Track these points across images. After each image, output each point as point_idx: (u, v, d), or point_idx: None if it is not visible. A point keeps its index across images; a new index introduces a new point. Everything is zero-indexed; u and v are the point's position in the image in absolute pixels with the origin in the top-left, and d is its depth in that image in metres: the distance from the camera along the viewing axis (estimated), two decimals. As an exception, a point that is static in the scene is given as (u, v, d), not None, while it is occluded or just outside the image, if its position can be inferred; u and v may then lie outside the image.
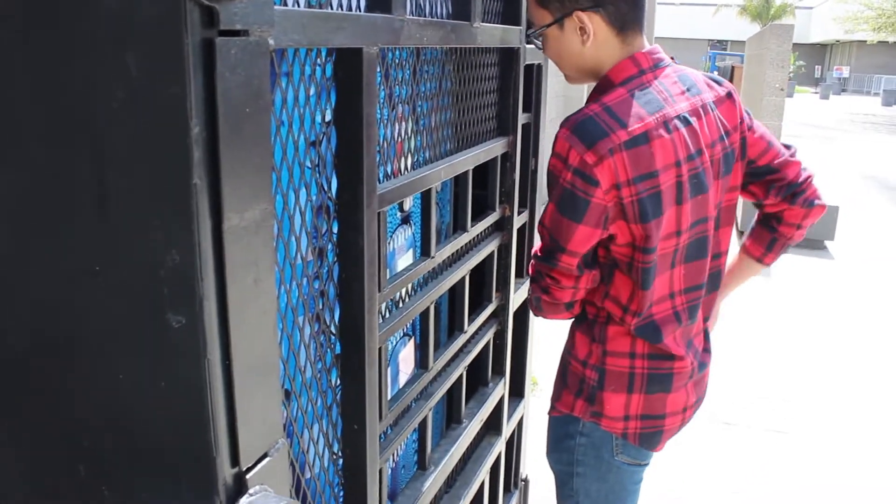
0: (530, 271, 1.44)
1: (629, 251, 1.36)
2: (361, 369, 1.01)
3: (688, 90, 1.40)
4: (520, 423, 2.01)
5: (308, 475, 1.03)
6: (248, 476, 0.74)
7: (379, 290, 1.04)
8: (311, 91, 0.97)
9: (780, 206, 1.52)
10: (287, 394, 1.00)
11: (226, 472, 0.72)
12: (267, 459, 0.77)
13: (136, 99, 0.64)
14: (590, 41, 1.35)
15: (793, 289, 5.41)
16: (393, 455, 1.39)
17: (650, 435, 1.48)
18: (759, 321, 4.69)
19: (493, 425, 1.78)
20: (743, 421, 3.42)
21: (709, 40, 44.43)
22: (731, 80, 14.16)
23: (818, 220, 1.59)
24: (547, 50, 1.43)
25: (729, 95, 1.45)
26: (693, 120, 1.36)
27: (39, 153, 0.69)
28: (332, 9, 1.01)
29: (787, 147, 1.54)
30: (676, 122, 1.33)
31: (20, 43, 0.67)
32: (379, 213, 1.02)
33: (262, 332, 0.74)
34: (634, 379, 1.44)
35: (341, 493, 1.08)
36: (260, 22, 0.68)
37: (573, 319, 1.51)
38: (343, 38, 0.87)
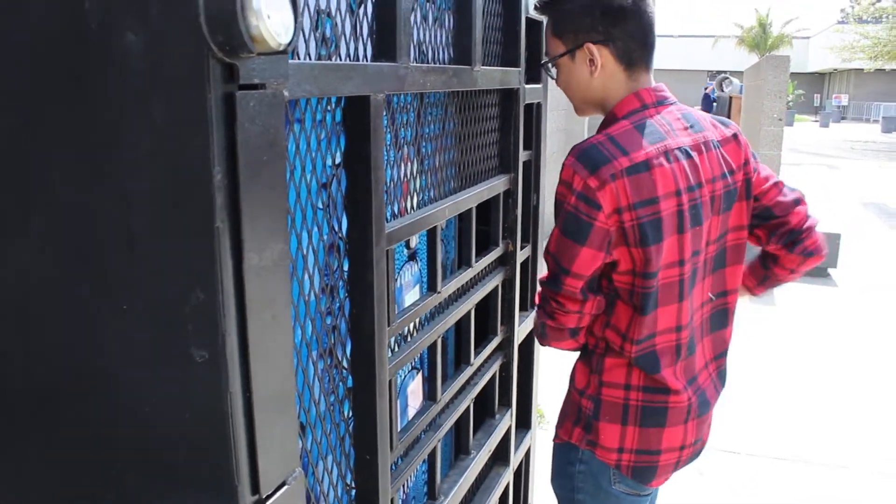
0: (537, 299, 1.47)
1: (630, 279, 1.40)
2: (372, 401, 1.04)
3: (690, 127, 1.45)
4: (527, 454, 2.03)
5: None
6: (268, 503, 0.77)
7: (388, 325, 1.08)
8: (322, 136, 1.02)
9: (779, 250, 1.56)
10: (301, 426, 1.04)
11: (247, 500, 0.75)
12: (285, 488, 0.80)
13: (162, 148, 0.69)
14: (597, 72, 1.42)
15: (796, 316, 5.42)
16: (404, 486, 1.42)
17: (644, 469, 1.49)
18: (763, 348, 4.70)
19: (500, 456, 1.80)
20: (745, 449, 3.42)
21: (708, 71, 44.84)
22: (729, 111, 14.32)
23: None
24: (558, 80, 1.50)
25: (735, 136, 1.50)
26: (694, 154, 1.42)
27: (71, 198, 0.74)
28: (340, 58, 1.06)
29: (794, 191, 1.58)
30: (677, 153, 1.39)
31: (52, 95, 0.72)
32: (387, 251, 1.06)
33: (280, 366, 0.79)
34: (629, 410, 1.46)
35: (353, 521, 1.11)
36: (276, 76, 0.73)
37: (580, 351, 1.54)
38: (351, 87, 0.92)
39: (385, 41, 1.03)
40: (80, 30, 0.69)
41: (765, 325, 5.13)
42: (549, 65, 1.49)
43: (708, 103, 18.49)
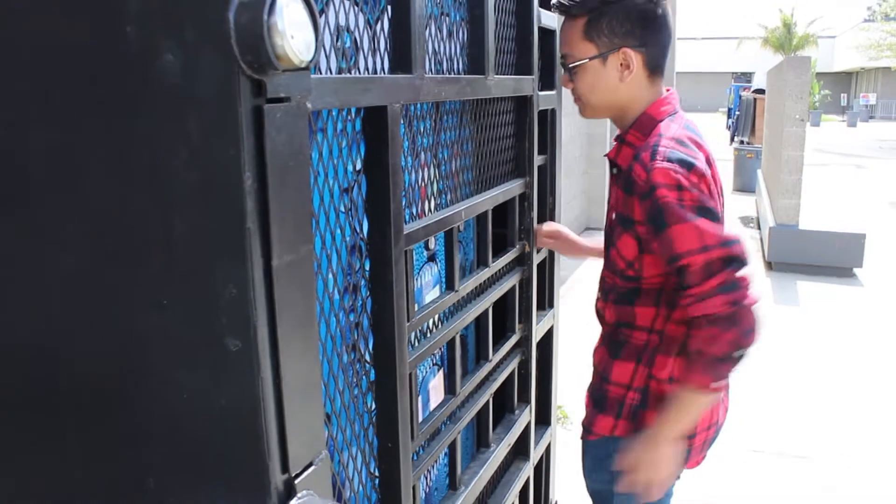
0: (722, 309, 1.34)
1: None
2: (394, 393, 1.11)
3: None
4: (548, 449, 2.09)
5: (348, 491, 1.13)
6: (296, 481, 0.84)
7: (408, 321, 1.15)
8: (344, 144, 1.10)
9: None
10: (327, 416, 1.11)
11: (277, 478, 0.82)
12: (312, 468, 0.87)
13: (198, 157, 0.76)
14: (628, 77, 1.48)
15: (822, 316, 5.41)
16: (427, 477, 1.49)
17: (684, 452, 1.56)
18: (789, 348, 4.70)
19: (521, 450, 1.86)
20: (771, 448, 3.44)
21: (732, 73, 44.54)
22: (753, 112, 14.25)
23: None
24: (580, 82, 1.51)
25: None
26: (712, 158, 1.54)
27: (115, 203, 0.82)
28: (359, 71, 1.14)
29: None
30: (711, 154, 1.52)
31: (99, 110, 0.80)
32: (406, 251, 1.13)
33: (307, 355, 0.85)
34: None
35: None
36: (300, 90, 0.80)
37: (606, 351, 1.60)
38: (370, 98, 0.99)
39: (401, 54, 1.10)
40: (123, 52, 0.77)
41: (789, 325, 5.13)
42: (570, 69, 1.51)
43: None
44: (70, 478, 0.92)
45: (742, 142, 14.05)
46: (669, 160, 1.38)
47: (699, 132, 1.52)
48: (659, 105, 1.52)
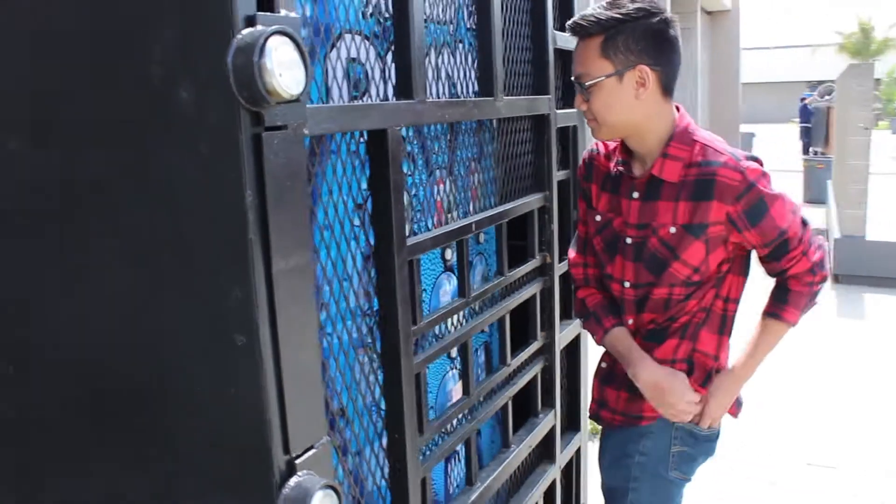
0: (819, 256, 1.63)
1: (743, 250, 1.64)
2: (399, 389, 1.22)
3: None
4: (577, 454, 2.15)
5: (370, 483, 1.25)
6: (297, 462, 0.95)
7: (415, 324, 1.26)
8: (356, 163, 1.22)
9: None
10: (343, 412, 1.22)
11: (279, 458, 0.94)
12: (313, 451, 0.98)
13: (208, 177, 0.89)
14: (644, 94, 1.53)
15: (889, 329, 5.26)
16: (448, 473, 1.59)
17: None
18: (854, 362, 4.60)
19: (546, 453, 1.94)
20: (845, 463, 3.39)
21: (808, 82, 43.29)
22: (828, 122, 13.87)
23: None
24: (595, 101, 1.55)
25: None
26: None
27: (140, 216, 0.95)
28: (371, 99, 1.26)
29: None
30: None
31: (128, 136, 0.93)
32: (412, 261, 1.24)
33: (306, 351, 0.97)
34: (711, 377, 1.67)
35: (388, 495, 1.28)
36: (295, 118, 0.92)
37: (643, 343, 1.68)
38: (369, 123, 1.11)
39: (402, 82, 1.22)
40: (149, 88, 0.90)
41: (854, 338, 5.02)
42: (586, 87, 1.55)
43: (806, 114, 17.91)
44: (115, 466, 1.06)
45: (815, 153, 13.67)
46: (749, 159, 1.57)
47: None
48: (682, 119, 1.62)
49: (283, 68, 0.84)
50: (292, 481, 0.94)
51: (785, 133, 22.76)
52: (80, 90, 0.96)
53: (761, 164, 1.60)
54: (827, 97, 13.48)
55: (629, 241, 1.63)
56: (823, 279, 1.65)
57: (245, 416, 0.93)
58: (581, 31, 1.55)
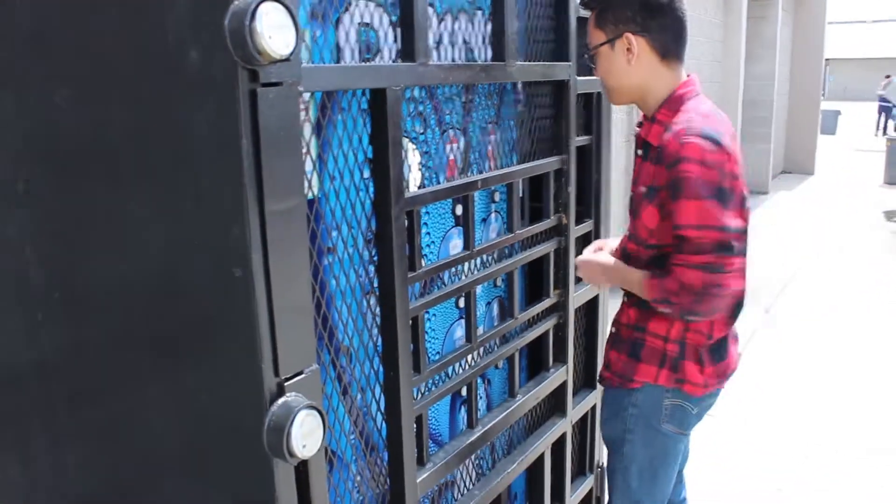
0: (696, 284, 1.51)
1: None
2: (394, 329, 1.33)
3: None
4: (593, 411, 2.24)
5: (370, 421, 1.37)
6: (286, 384, 1.08)
7: (413, 271, 1.37)
8: (366, 119, 1.32)
9: None
10: (346, 349, 1.35)
11: (270, 379, 1.06)
12: (302, 375, 1.10)
13: (211, 126, 1.01)
14: (634, 60, 1.65)
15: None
16: (455, 420, 1.70)
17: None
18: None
19: (557, 407, 2.04)
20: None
21: (903, 56, 41.14)
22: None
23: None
24: (598, 68, 1.72)
25: None
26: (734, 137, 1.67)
27: (154, 164, 1.08)
28: (382, 60, 1.36)
29: None
30: (733, 134, 1.65)
31: (148, 94, 1.06)
32: (412, 211, 1.35)
33: (297, 284, 1.09)
34: (703, 354, 1.71)
35: (383, 427, 1.40)
36: (291, 76, 1.02)
37: (638, 309, 1.76)
38: (368, 82, 1.22)
39: (406, 44, 1.31)
40: (164, 51, 1.02)
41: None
42: (591, 55, 1.72)
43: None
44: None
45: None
46: (701, 135, 1.54)
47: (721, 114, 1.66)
48: (684, 86, 1.68)
49: (274, 30, 0.95)
50: (280, 400, 1.06)
51: (874, 112, 21.80)
52: (110, 52, 1.09)
53: (714, 147, 1.52)
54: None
55: (632, 194, 1.75)
56: (687, 313, 1.58)
57: (241, 341, 1.06)
58: (584, 5, 1.73)
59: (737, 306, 1.68)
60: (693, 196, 1.52)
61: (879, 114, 21.18)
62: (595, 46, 1.69)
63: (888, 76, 20.09)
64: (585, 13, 1.78)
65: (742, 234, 1.55)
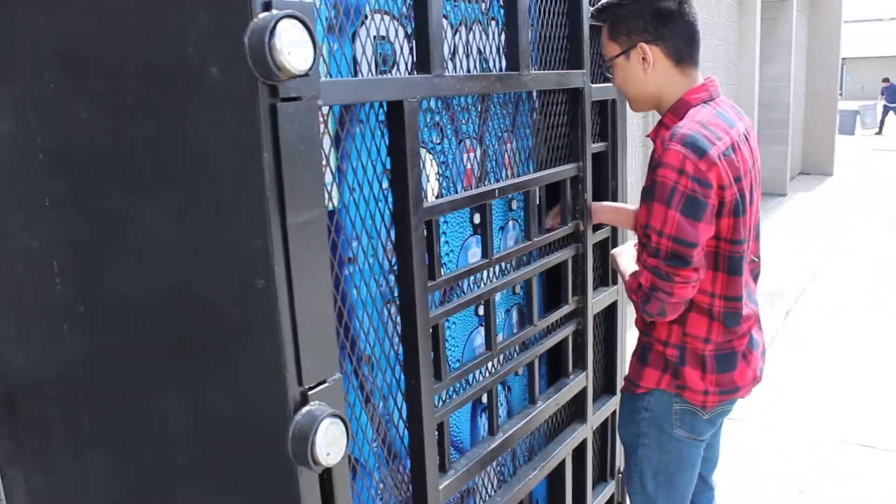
0: (645, 284, 1.61)
1: (715, 243, 1.63)
2: (415, 337, 1.34)
3: (739, 115, 1.70)
4: (613, 416, 2.24)
5: (392, 429, 1.39)
6: (310, 393, 1.09)
7: (433, 279, 1.38)
8: (384, 130, 1.34)
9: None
10: (368, 358, 1.36)
11: (294, 388, 1.07)
12: (325, 385, 1.12)
13: (233, 141, 1.03)
14: (650, 69, 1.67)
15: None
16: (476, 427, 1.71)
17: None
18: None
19: (578, 413, 2.04)
20: None
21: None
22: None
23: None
24: (615, 79, 1.76)
25: (749, 130, 1.72)
26: (744, 141, 1.66)
27: (183, 174, 1.10)
28: (399, 72, 1.38)
29: None
30: (741, 138, 1.64)
31: (168, 108, 1.08)
32: (430, 221, 1.36)
33: (319, 295, 1.10)
34: (706, 360, 1.70)
35: (406, 434, 1.42)
36: (309, 91, 1.04)
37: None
38: (383, 94, 1.23)
39: (421, 57, 1.33)
40: (186, 66, 1.04)
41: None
42: (607, 66, 1.74)
43: (892, 93, 17.48)
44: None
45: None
46: (684, 143, 1.54)
47: (734, 117, 1.65)
48: (694, 91, 1.68)
49: (292, 47, 0.96)
50: (304, 409, 1.08)
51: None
52: (132, 68, 1.11)
53: (696, 157, 1.52)
54: None
55: None
56: (638, 307, 1.66)
57: (264, 351, 1.07)
58: (596, 18, 1.75)
59: (731, 315, 1.68)
60: (662, 202, 1.56)
61: (885, 113, 21.37)
62: (611, 59, 1.71)
63: (886, 79, 20.32)
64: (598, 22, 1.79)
65: (694, 249, 1.56)
